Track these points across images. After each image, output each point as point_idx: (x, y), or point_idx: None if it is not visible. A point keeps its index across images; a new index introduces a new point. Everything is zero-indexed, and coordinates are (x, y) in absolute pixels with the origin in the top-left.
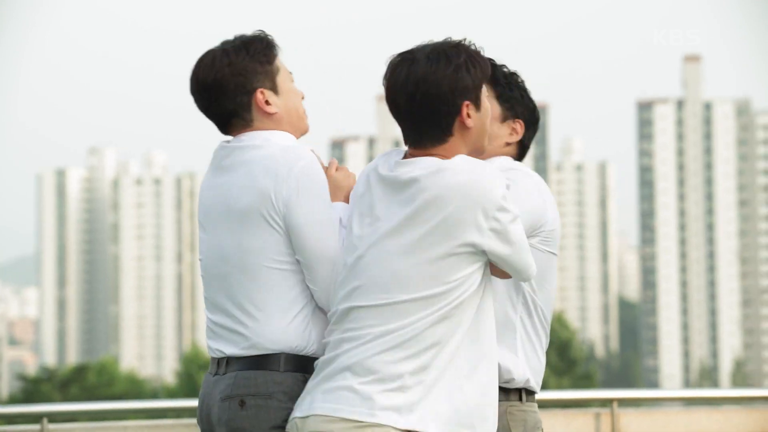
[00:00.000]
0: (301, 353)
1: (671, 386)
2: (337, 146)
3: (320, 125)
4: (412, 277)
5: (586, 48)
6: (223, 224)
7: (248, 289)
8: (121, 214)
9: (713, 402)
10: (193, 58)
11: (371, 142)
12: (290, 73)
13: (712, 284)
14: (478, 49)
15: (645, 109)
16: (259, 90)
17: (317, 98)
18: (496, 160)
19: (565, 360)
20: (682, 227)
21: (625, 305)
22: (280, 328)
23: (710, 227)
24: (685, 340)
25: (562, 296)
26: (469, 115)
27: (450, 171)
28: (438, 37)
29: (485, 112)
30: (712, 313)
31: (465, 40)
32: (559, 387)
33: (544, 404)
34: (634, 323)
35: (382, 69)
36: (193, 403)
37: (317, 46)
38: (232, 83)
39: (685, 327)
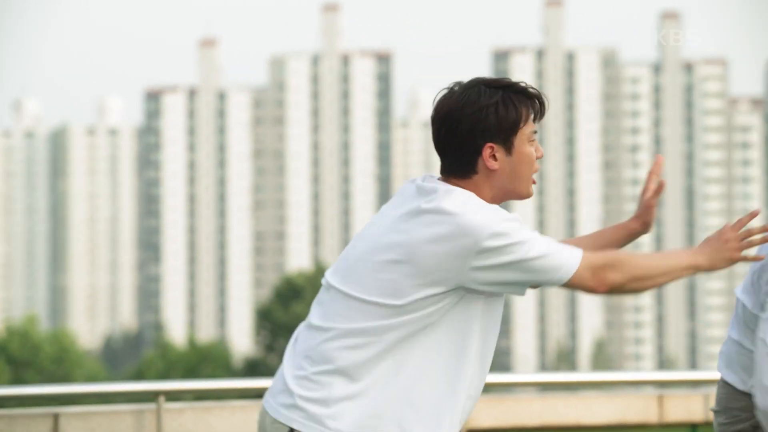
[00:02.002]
0: None
1: (525, 370)
2: (153, 98)
3: (134, 74)
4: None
5: None
6: None
7: None
8: None
9: (571, 387)
10: None
11: (192, 93)
12: None
13: None
14: (533, 91)
15: (501, 58)
16: None
17: (131, 43)
18: None
19: None
20: (540, 192)
21: None
22: None
23: (571, 192)
24: (542, 319)
25: None
26: (494, 158)
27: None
28: None
29: (520, 157)
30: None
31: (521, 82)
32: None
33: None
34: None
35: (206, 10)
36: None
37: None
38: None
39: (541, 304)
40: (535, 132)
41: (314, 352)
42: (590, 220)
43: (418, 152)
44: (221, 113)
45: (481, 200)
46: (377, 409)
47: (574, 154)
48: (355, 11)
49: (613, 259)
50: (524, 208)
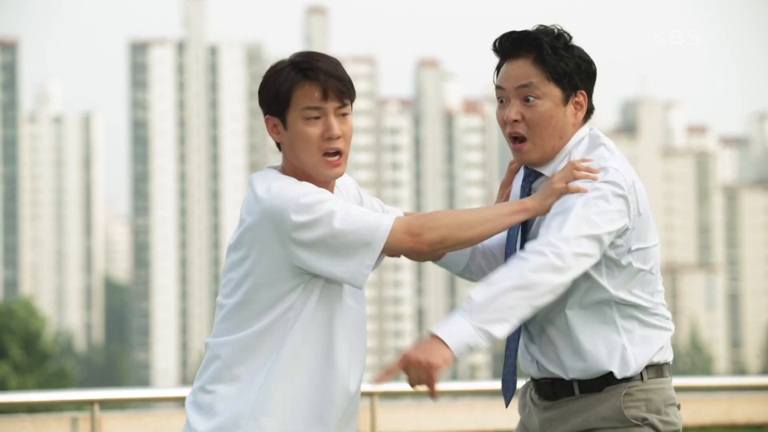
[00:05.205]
0: None
1: (165, 384)
2: None
3: None
4: None
5: None
6: None
7: None
8: None
9: None
10: None
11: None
12: None
13: (216, 263)
14: (306, 64)
15: (139, 51)
16: None
17: None
18: (576, 144)
19: (33, 355)
20: (183, 194)
21: (112, 288)
22: None
23: (215, 195)
24: (184, 330)
25: (35, 276)
26: (274, 129)
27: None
28: None
29: (292, 135)
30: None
31: (310, 53)
32: (24, 387)
33: (7, 408)
34: (123, 309)
35: None
36: None
37: None
38: None
39: (183, 314)
40: (316, 108)
41: None
42: (235, 225)
43: (48, 149)
44: None
45: (276, 177)
46: None
47: (218, 155)
48: None
49: (427, 216)
50: (165, 211)
